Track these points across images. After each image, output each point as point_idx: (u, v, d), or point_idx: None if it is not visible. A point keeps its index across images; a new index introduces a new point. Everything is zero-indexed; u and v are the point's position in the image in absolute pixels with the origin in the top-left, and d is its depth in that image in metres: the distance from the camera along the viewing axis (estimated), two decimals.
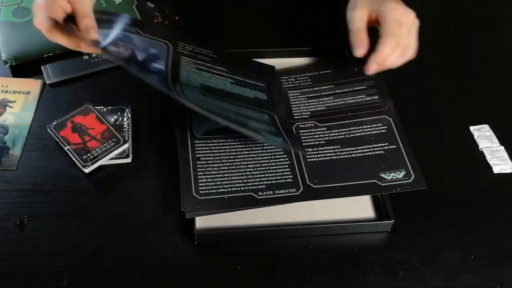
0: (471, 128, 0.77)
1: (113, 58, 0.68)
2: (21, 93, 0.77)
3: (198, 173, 0.65)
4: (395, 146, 0.69)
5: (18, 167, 0.69)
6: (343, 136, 0.70)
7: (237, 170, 0.66)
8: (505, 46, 0.93)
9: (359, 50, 0.71)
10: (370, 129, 0.71)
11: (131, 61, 0.69)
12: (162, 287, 0.60)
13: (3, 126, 0.73)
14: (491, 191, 0.70)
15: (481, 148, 0.74)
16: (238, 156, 0.68)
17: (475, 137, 0.75)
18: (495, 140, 0.75)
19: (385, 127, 0.71)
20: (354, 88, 0.76)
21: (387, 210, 0.65)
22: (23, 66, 0.79)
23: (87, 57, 0.81)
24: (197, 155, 0.67)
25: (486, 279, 0.62)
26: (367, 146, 0.69)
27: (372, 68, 0.71)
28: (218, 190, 0.64)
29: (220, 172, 0.66)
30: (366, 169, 0.66)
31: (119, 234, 0.64)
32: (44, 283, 0.59)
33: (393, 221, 0.64)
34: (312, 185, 0.65)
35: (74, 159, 0.68)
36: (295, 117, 0.73)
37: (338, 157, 0.68)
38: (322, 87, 0.77)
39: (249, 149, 0.68)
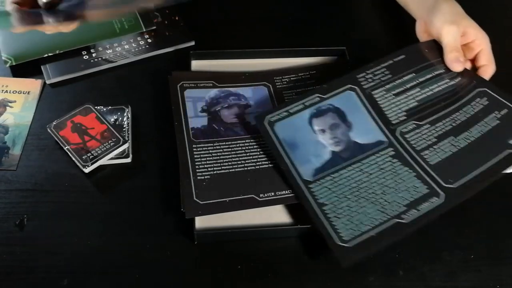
0: None
1: None
2: (21, 93, 0.77)
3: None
4: (506, 109, 0.66)
5: (18, 167, 0.69)
6: (451, 126, 0.67)
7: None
8: (505, 46, 0.93)
9: (460, 67, 0.73)
10: (473, 108, 0.68)
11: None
12: (162, 287, 0.60)
13: (3, 126, 0.73)
14: (491, 191, 0.70)
15: None
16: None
17: None
18: None
19: (485, 98, 0.68)
20: (435, 73, 0.73)
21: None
22: (23, 66, 0.79)
23: (87, 57, 0.81)
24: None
25: (486, 279, 0.62)
26: (479, 124, 0.66)
27: None
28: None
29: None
30: (491, 145, 0.63)
31: (119, 234, 0.64)
32: (44, 283, 0.59)
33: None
34: (450, 186, 0.62)
35: (74, 159, 0.68)
36: (393, 122, 0.69)
37: (457, 148, 0.64)
38: (404, 78, 0.72)
39: (367, 174, 0.65)
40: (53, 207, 0.66)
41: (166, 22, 0.88)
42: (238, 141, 0.69)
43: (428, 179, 0.63)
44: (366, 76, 0.73)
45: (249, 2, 0.94)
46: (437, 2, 0.77)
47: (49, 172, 0.69)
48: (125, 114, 0.74)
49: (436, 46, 0.75)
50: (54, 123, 0.71)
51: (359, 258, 0.58)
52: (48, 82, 0.78)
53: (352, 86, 0.71)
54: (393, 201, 0.62)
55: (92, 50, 0.82)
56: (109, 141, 0.70)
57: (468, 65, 0.75)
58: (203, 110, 0.73)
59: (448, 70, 0.73)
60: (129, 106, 0.75)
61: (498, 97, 0.67)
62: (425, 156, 0.65)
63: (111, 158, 0.69)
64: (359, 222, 0.60)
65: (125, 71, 0.81)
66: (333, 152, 0.66)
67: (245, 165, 0.67)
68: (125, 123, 0.73)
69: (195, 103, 0.74)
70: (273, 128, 0.68)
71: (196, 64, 0.82)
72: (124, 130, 0.72)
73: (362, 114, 0.69)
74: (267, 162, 0.67)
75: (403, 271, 0.62)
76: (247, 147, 0.69)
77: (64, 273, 0.60)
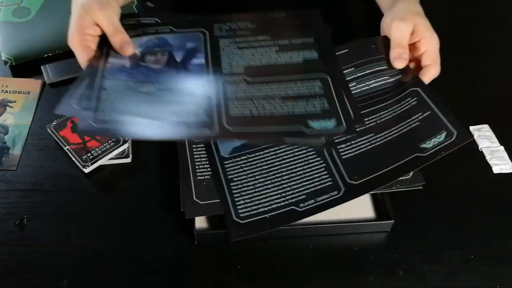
0: (471, 128, 0.77)
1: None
2: (21, 93, 0.77)
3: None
4: (429, 112, 0.66)
5: (18, 167, 0.69)
6: (375, 123, 0.67)
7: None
8: (505, 45, 0.93)
9: (402, 64, 0.72)
10: (401, 107, 0.68)
11: (171, 66, 0.69)
12: (162, 287, 0.60)
13: (3, 126, 0.73)
14: (491, 191, 0.70)
15: (481, 148, 0.74)
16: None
17: (475, 137, 0.75)
18: (495, 140, 0.75)
19: (415, 98, 0.67)
20: (376, 69, 0.73)
21: (387, 210, 0.65)
22: (23, 66, 0.79)
23: None
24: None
25: (486, 279, 0.62)
26: (401, 124, 0.66)
27: None
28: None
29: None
30: (404, 147, 0.64)
31: (119, 234, 0.64)
32: (44, 283, 0.59)
33: (393, 221, 0.64)
34: (353, 182, 0.63)
35: (74, 159, 0.68)
36: None
37: (373, 145, 0.65)
38: (344, 71, 0.73)
39: (280, 158, 0.67)
40: (53, 207, 0.66)
41: None
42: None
43: (335, 172, 0.65)
44: None
45: (249, 2, 0.94)
46: (396, 1, 0.77)
47: (49, 172, 0.69)
48: None
49: (384, 43, 0.74)
50: (54, 123, 0.71)
51: (246, 236, 0.60)
52: (48, 82, 0.78)
53: None
54: (296, 188, 0.64)
55: None
56: (109, 141, 0.69)
57: (412, 64, 0.73)
58: None
59: (390, 67, 0.72)
60: None
61: (426, 98, 0.67)
62: (339, 150, 0.66)
63: (111, 158, 0.69)
64: (259, 203, 0.62)
65: None
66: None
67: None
68: None
69: None
70: None
71: None
72: None
73: None
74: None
75: (403, 271, 0.62)
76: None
77: (64, 273, 0.60)
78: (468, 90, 0.82)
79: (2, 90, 0.77)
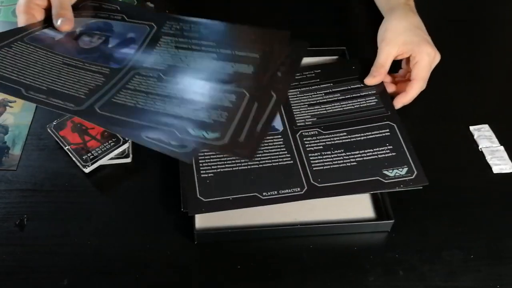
0: (471, 128, 0.77)
1: None
2: None
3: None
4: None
5: (18, 167, 0.69)
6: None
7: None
8: (505, 46, 0.93)
9: (372, 81, 0.76)
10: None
11: (97, 50, 0.69)
12: (162, 287, 0.60)
13: (3, 126, 0.73)
14: (491, 191, 0.70)
15: (481, 148, 0.74)
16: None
17: (475, 137, 0.75)
18: (495, 140, 0.75)
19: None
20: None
21: (387, 210, 0.65)
22: None
23: None
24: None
25: (486, 279, 0.62)
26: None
27: (399, 106, 0.75)
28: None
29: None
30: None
31: (119, 234, 0.64)
32: (44, 283, 0.59)
33: (393, 221, 0.64)
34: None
35: (74, 159, 0.68)
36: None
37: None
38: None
39: None
40: (53, 207, 0.66)
41: None
42: None
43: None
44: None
45: (249, 2, 0.94)
46: (390, 13, 0.81)
47: (49, 172, 0.69)
48: None
49: (361, 64, 0.79)
50: (54, 123, 0.71)
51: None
52: None
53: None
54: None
55: None
56: (109, 141, 0.70)
57: (391, 89, 0.77)
58: None
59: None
60: None
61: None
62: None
63: (111, 158, 0.69)
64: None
65: None
66: None
67: (248, 163, 0.67)
68: None
69: None
70: None
71: None
72: None
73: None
74: (270, 161, 0.68)
75: (403, 271, 0.62)
76: None
77: (64, 273, 0.60)
78: (468, 90, 0.82)
79: None
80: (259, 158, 0.68)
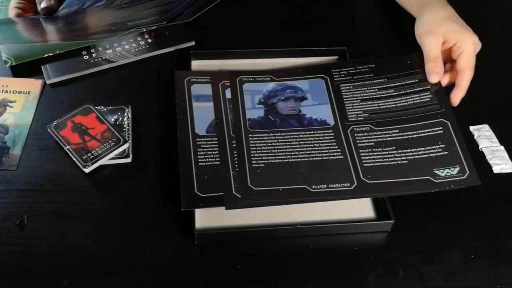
0: (471, 128, 0.77)
1: None
2: (21, 93, 0.77)
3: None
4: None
5: (18, 167, 0.69)
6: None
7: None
8: (505, 45, 0.93)
9: (436, 78, 0.74)
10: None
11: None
12: (162, 287, 0.60)
13: (3, 126, 0.73)
14: (491, 191, 0.70)
15: (481, 148, 0.74)
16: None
17: (475, 137, 0.75)
18: (495, 140, 0.75)
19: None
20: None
21: (387, 210, 0.65)
22: (23, 66, 0.79)
23: (87, 57, 0.81)
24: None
25: (486, 279, 0.62)
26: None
27: (457, 102, 0.74)
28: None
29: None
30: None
31: (119, 234, 0.64)
32: (44, 283, 0.59)
33: (393, 221, 0.64)
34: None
35: (74, 159, 0.68)
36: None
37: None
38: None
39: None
40: (53, 207, 0.66)
41: (165, 22, 0.88)
42: (293, 133, 0.70)
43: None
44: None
45: (249, 2, 0.94)
46: (423, 7, 0.79)
47: (49, 172, 0.69)
48: (125, 114, 0.74)
49: (417, 59, 0.77)
50: (54, 123, 0.71)
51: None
52: (48, 82, 0.78)
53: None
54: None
55: (92, 50, 0.82)
56: (109, 141, 0.70)
57: (446, 81, 0.76)
58: (260, 102, 0.75)
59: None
60: (129, 106, 0.75)
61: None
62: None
63: (111, 158, 0.69)
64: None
65: (125, 71, 0.82)
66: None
67: (299, 156, 0.68)
68: (125, 123, 0.73)
69: (253, 96, 0.75)
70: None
71: (196, 64, 0.82)
72: (124, 130, 0.72)
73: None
74: (320, 154, 0.68)
75: (403, 271, 0.62)
76: (301, 139, 0.70)
77: (64, 273, 0.60)
78: (468, 90, 0.82)
79: (2, 90, 0.77)
80: (310, 152, 0.68)
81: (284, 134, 0.70)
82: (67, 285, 0.59)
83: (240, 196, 0.64)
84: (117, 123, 0.73)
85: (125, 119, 0.74)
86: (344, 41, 0.85)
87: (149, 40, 0.85)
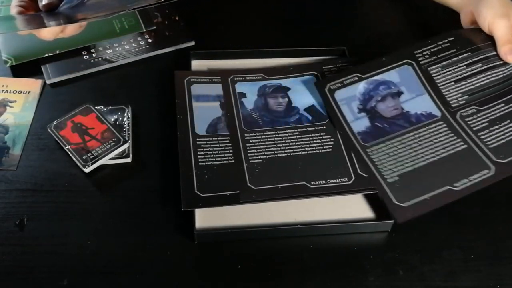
0: None
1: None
2: (21, 93, 0.77)
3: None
4: None
5: (18, 167, 0.69)
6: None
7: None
8: None
9: None
10: None
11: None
12: (162, 287, 0.60)
13: (3, 126, 0.73)
14: (491, 191, 0.70)
15: None
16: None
17: None
18: None
19: None
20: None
21: (387, 210, 0.65)
22: (23, 66, 0.79)
23: (88, 57, 0.81)
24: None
25: (486, 279, 0.62)
26: None
27: None
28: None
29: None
30: None
31: (119, 234, 0.64)
32: (44, 283, 0.59)
33: (393, 221, 0.64)
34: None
35: (74, 159, 0.68)
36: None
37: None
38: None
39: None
40: (53, 207, 0.66)
41: (166, 22, 0.88)
42: (407, 134, 0.69)
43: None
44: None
45: (249, 2, 0.94)
46: None
47: (49, 172, 0.69)
48: (125, 114, 0.74)
49: (483, 33, 0.76)
50: (54, 123, 0.71)
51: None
52: (48, 82, 0.78)
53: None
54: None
55: (92, 50, 0.82)
56: (109, 141, 0.70)
57: None
58: (360, 110, 0.72)
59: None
60: (129, 106, 0.75)
61: None
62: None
63: (111, 158, 0.69)
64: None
65: (125, 71, 0.82)
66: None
67: (425, 157, 0.66)
68: (125, 123, 0.73)
69: (349, 104, 0.72)
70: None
71: (196, 64, 0.82)
72: (124, 130, 0.72)
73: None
74: (445, 151, 0.67)
75: (403, 271, 0.62)
76: (418, 138, 0.68)
77: (64, 273, 0.60)
78: None
79: (2, 90, 0.77)
80: (434, 149, 0.67)
81: (399, 137, 0.68)
82: (67, 285, 0.59)
83: (254, 188, 0.64)
84: (117, 123, 0.73)
85: (125, 119, 0.74)
86: (344, 41, 0.85)
87: (149, 40, 0.85)
